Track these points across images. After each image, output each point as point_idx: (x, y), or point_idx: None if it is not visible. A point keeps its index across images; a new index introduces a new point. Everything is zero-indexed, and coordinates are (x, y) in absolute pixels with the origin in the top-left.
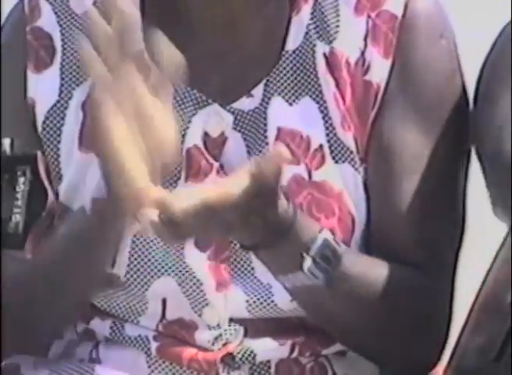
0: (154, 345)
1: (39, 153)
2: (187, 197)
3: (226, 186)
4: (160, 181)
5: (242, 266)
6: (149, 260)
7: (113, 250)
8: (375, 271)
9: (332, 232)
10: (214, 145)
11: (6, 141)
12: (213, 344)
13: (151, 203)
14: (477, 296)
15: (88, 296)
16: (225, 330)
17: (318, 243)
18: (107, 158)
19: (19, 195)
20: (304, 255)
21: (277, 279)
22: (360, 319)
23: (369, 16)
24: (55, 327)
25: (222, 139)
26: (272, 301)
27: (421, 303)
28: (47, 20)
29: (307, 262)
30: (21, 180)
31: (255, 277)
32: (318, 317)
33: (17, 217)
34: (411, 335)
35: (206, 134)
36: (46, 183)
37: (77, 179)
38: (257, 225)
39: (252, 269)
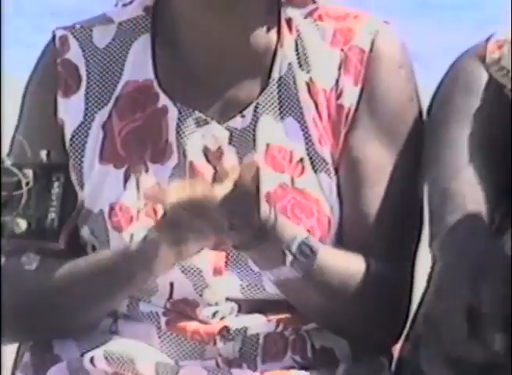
0: (163, 320)
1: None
2: (177, 192)
3: (212, 188)
4: None
5: (237, 256)
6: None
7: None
8: (346, 263)
9: (312, 230)
10: (213, 157)
11: (43, 152)
12: (212, 318)
13: (149, 197)
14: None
15: (109, 309)
16: (222, 308)
17: (298, 241)
18: None
19: (54, 197)
20: (286, 252)
21: (264, 273)
22: (333, 305)
23: (342, 50)
24: (80, 327)
25: (220, 152)
26: (262, 286)
27: (385, 290)
28: (74, 53)
29: (289, 259)
30: (56, 184)
31: (248, 266)
32: (298, 303)
33: (52, 215)
34: (376, 317)
35: (206, 148)
36: (77, 187)
37: (97, 187)
38: (243, 227)
39: (246, 259)
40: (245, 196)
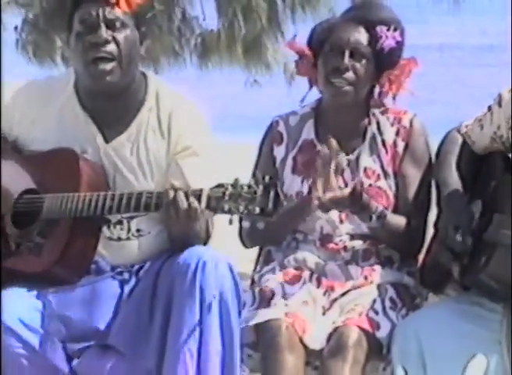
0: (318, 243)
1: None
2: (329, 195)
3: (344, 190)
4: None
5: (351, 215)
6: (316, 216)
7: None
8: (399, 221)
9: (383, 206)
10: (340, 172)
11: (267, 177)
12: (339, 242)
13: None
14: (433, 237)
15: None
16: (344, 238)
17: (378, 211)
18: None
19: (270, 198)
20: (372, 215)
21: (362, 223)
22: (393, 237)
23: (397, 127)
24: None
25: (343, 169)
26: (361, 229)
27: (415, 231)
28: (281, 127)
29: (373, 218)
30: (271, 193)
31: (355, 220)
32: (377, 236)
33: (271, 206)
34: (411, 241)
35: (336, 167)
36: (281, 194)
37: (289, 184)
38: (355, 205)
39: (354, 216)
40: (357, 192)
